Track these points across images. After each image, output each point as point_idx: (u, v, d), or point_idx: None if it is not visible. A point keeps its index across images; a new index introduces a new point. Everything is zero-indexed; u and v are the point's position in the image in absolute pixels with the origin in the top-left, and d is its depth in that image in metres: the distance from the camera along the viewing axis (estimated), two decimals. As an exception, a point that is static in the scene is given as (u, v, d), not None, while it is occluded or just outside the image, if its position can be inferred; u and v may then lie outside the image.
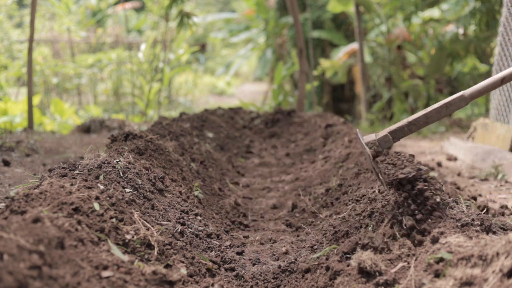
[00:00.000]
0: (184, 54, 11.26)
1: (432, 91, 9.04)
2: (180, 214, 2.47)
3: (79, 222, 1.71)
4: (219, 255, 2.27)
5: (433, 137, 6.79)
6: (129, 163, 2.55)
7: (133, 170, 2.49)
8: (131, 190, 2.27)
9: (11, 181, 3.46)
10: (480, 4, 7.82)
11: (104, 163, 2.38)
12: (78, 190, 1.94)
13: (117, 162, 2.45)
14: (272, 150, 5.18)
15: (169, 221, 2.28)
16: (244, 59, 15.94)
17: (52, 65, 10.35)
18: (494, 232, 1.94)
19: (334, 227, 2.41)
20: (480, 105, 8.69)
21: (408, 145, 5.99)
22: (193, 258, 2.04)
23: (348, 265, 1.75)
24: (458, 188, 3.54)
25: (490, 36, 7.75)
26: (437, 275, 1.49)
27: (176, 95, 14.62)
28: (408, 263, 1.63)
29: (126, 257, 1.70)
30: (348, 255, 1.84)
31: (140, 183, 2.41)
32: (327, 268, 1.82)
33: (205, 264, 2.09)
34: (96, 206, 1.86)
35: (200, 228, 2.45)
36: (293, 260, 2.24)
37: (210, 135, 4.90)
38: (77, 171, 2.25)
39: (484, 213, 2.66)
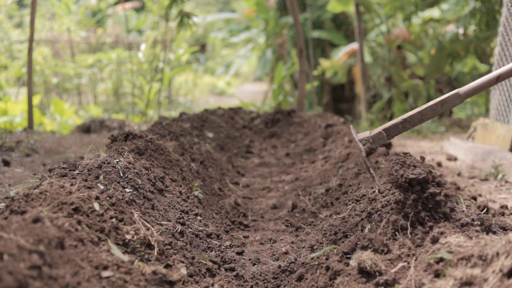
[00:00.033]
0: (184, 54, 11.26)
1: (432, 91, 9.04)
2: (180, 214, 2.47)
3: (79, 222, 1.71)
4: (219, 255, 2.27)
5: (433, 137, 6.79)
6: (129, 163, 2.55)
7: (133, 170, 2.49)
8: (131, 190, 2.27)
9: (11, 181, 3.46)
10: (480, 4, 7.82)
11: (104, 163, 2.38)
12: (78, 190, 1.94)
13: (117, 162, 2.45)
14: (272, 150, 5.18)
15: (169, 221, 2.28)
16: (244, 59, 15.94)
17: (52, 65, 10.35)
18: (494, 232, 1.94)
19: (334, 227, 2.41)
20: (480, 105, 8.69)
21: (408, 145, 5.99)
22: (193, 258, 2.04)
23: (348, 265, 1.75)
24: (458, 188, 3.54)
25: (490, 36, 7.75)
26: (437, 275, 1.49)
27: (176, 95, 14.62)
28: (408, 263, 1.63)
29: (126, 257, 1.70)
30: (348, 255, 1.84)
31: (140, 183, 2.41)
32: (327, 268, 1.82)
33: (205, 264, 2.09)
34: (96, 206, 1.86)
35: (200, 228, 2.45)
36: (293, 260, 2.24)
37: (210, 135, 4.90)
38: (77, 171, 2.25)
39: (484, 213, 2.66)
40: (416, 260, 1.63)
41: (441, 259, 1.52)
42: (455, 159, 4.86)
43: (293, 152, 4.89)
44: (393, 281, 1.56)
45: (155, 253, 1.83)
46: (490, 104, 5.29)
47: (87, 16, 13.74)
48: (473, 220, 1.87)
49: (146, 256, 1.81)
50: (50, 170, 2.30)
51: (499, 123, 4.76)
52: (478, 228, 1.83)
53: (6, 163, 3.98)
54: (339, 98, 12.88)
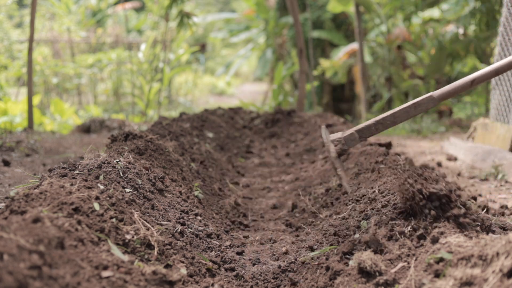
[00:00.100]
0: (184, 54, 11.26)
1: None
2: (180, 214, 2.47)
3: (79, 222, 1.71)
4: (219, 255, 2.27)
5: (433, 137, 6.79)
6: (129, 163, 2.55)
7: (133, 170, 2.49)
8: (131, 190, 2.27)
9: (11, 181, 3.46)
10: (480, 4, 7.83)
11: (104, 163, 2.38)
12: (78, 190, 1.94)
13: (117, 162, 2.45)
14: (272, 150, 5.18)
15: (169, 221, 2.28)
16: (244, 59, 15.94)
17: (52, 65, 10.35)
18: (494, 232, 1.94)
19: (334, 227, 2.41)
20: (480, 105, 8.69)
21: (408, 145, 5.99)
22: (193, 258, 2.04)
23: (348, 265, 1.75)
24: (458, 188, 3.54)
25: (490, 36, 7.75)
26: (437, 275, 1.49)
27: (176, 95, 14.62)
28: (408, 263, 1.63)
29: (126, 257, 1.70)
30: (348, 255, 1.84)
31: (140, 183, 2.41)
32: (327, 268, 1.82)
33: (205, 264, 2.09)
34: (96, 206, 1.86)
35: (200, 228, 2.45)
36: (293, 260, 2.24)
37: (210, 135, 4.90)
38: (77, 171, 2.25)
39: (484, 213, 2.66)
40: (416, 260, 1.63)
41: (441, 259, 1.52)
42: (455, 159, 4.86)
43: (293, 152, 4.89)
44: (393, 281, 1.56)
45: (155, 253, 1.83)
46: (490, 104, 5.29)
47: (87, 16, 13.74)
48: (473, 220, 1.87)
49: (146, 256, 1.81)
50: (50, 170, 2.30)
51: (499, 123, 4.76)
52: (478, 228, 1.83)
53: (6, 163, 3.98)
54: (339, 98, 12.88)
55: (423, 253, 1.64)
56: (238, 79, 23.89)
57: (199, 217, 2.58)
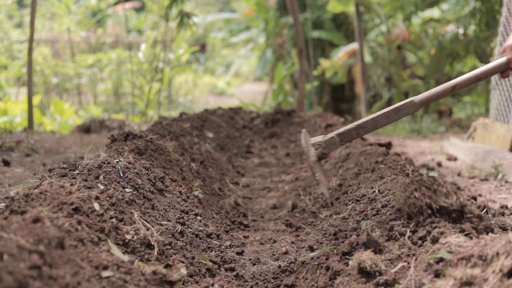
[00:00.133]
0: (184, 54, 11.26)
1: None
2: (180, 214, 2.47)
3: (79, 222, 1.71)
4: (219, 255, 2.27)
5: (433, 137, 6.79)
6: (129, 163, 2.55)
7: (133, 170, 2.49)
8: (131, 190, 2.27)
9: (11, 181, 3.46)
10: (480, 4, 7.83)
11: (104, 163, 2.38)
12: (78, 190, 1.94)
13: (117, 162, 2.45)
14: (272, 150, 5.18)
15: (169, 221, 2.28)
16: (244, 59, 15.94)
17: (52, 65, 10.35)
18: (494, 232, 1.94)
19: (334, 227, 2.41)
20: (480, 105, 8.69)
21: (408, 145, 5.99)
22: (193, 258, 2.04)
23: (348, 265, 1.75)
24: (458, 188, 3.54)
25: (490, 36, 7.75)
26: (437, 275, 1.49)
27: (176, 95, 14.62)
28: (408, 263, 1.63)
29: (126, 257, 1.70)
30: (348, 255, 1.84)
31: (140, 183, 2.41)
32: (327, 268, 1.82)
33: (205, 264, 2.09)
34: (96, 206, 1.86)
35: (200, 228, 2.45)
36: (293, 260, 2.24)
37: (210, 135, 4.90)
38: (77, 171, 2.25)
39: (484, 213, 2.66)
40: (416, 260, 1.63)
41: (441, 259, 1.52)
42: (455, 159, 4.87)
43: (293, 152, 4.89)
44: (393, 281, 1.56)
45: (155, 253, 1.83)
46: (490, 104, 5.29)
47: (87, 16, 13.74)
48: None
49: (146, 256, 1.81)
50: (50, 170, 2.30)
51: (499, 123, 4.76)
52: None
53: (6, 163, 3.98)
54: (339, 98, 12.88)
55: (423, 253, 1.64)
56: (238, 79, 23.89)
57: (199, 217, 2.58)
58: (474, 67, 8.96)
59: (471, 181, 3.96)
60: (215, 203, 3.09)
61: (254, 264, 2.25)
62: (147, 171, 2.63)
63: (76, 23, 12.16)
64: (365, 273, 1.62)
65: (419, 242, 1.75)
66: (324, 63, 11.05)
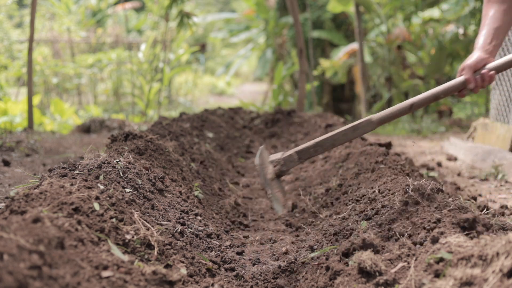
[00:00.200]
0: (184, 54, 11.26)
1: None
2: (180, 214, 2.47)
3: (79, 222, 1.71)
4: (219, 255, 2.27)
5: (433, 137, 6.79)
6: (129, 163, 2.55)
7: (133, 170, 2.49)
8: (131, 190, 2.27)
9: (11, 181, 3.46)
10: (480, 4, 7.82)
11: (104, 163, 2.38)
12: (78, 190, 1.94)
13: (117, 162, 2.45)
14: (272, 150, 5.18)
15: (169, 221, 2.28)
16: (244, 59, 15.94)
17: (52, 65, 10.35)
18: (494, 232, 1.94)
19: (334, 227, 2.41)
20: (480, 105, 8.69)
21: (408, 145, 5.99)
22: (193, 258, 2.04)
23: (348, 265, 1.75)
24: (458, 188, 3.54)
25: (490, 36, 7.73)
26: (437, 275, 1.49)
27: (176, 95, 14.62)
28: (408, 263, 1.63)
29: (126, 257, 1.70)
30: (348, 255, 1.84)
31: (140, 183, 2.41)
32: (327, 268, 1.82)
33: (205, 264, 2.09)
34: (96, 206, 1.86)
35: (200, 228, 2.45)
36: (293, 260, 2.24)
37: (210, 135, 4.90)
38: (77, 171, 2.25)
39: (484, 213, 2.66)
40: (416, 260, 1.63)
41: (441, 259, 1.52)
42: (455, 159, 4.87)
43: (293, 152, 4.88)
44: (393, 281, 1.56)
45: (155, 253, 1.83)
46: (490, 104, 5.29)
47: (87, 16, 13.74)
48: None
49: (146, 256, 1.81)
50: (50, 170, 2.30)
51: (499, 123, 4.76)
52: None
53: (6, 163, 3.98)
54: (339, 98, 12.87)
55: (423, 253, 1.64)
56: (238, 79, 23.88)
57: (199, 217, 2.58)
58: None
59: (471, 181, 3.96)
60: (215, 203, 3.09)
61: (254, 264, 2.25)
62: (147, 171, 2.63)
63: (76, 23, 12.16)
64: (365, 273, 1.62)
65: (419, 242, 1.75)
66: (324, 63, 11.05)
